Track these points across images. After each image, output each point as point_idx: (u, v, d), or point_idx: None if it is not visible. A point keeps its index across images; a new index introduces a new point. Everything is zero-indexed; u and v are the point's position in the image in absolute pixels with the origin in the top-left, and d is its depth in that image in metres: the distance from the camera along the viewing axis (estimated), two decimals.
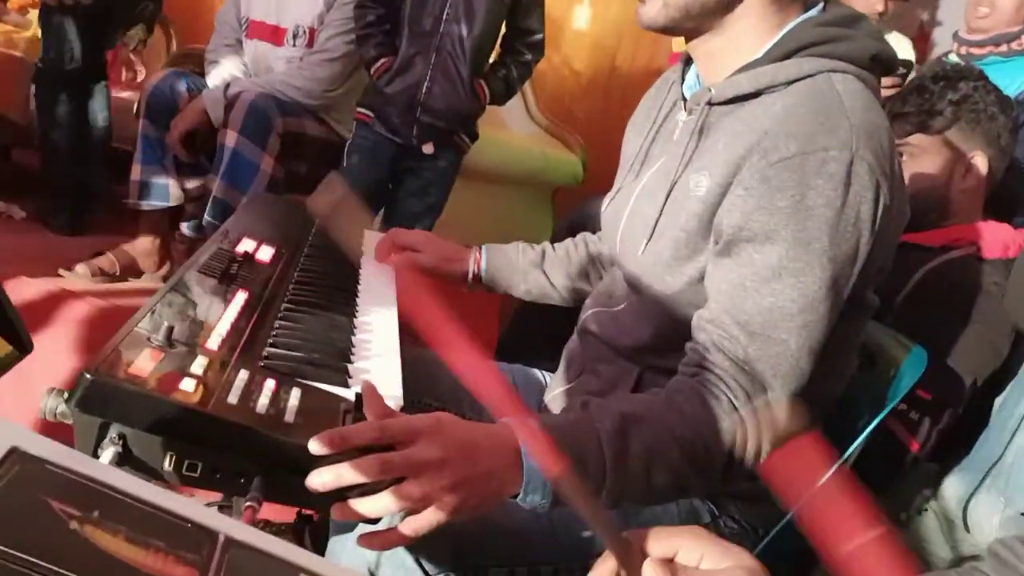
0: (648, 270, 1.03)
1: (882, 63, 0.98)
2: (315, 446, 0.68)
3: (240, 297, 0.98)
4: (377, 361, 0.96)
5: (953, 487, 1.55)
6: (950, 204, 1.54)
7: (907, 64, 2.28)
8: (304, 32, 2.41)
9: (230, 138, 2.22)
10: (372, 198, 2.39)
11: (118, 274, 2.50)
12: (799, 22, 0.97)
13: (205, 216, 2.25)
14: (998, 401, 1.53)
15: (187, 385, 0.72)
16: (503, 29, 2.34)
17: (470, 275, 1.34)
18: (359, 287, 1.23)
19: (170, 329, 0.79)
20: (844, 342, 1.00)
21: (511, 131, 3.06)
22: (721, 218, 0.93)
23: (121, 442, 0.68)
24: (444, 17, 2.23)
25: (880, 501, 1.47)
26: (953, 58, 2.49)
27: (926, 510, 1.58)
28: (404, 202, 2.37)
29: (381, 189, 2.39)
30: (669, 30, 1.01)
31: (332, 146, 2.43)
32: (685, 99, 1.07)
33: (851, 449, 1.08)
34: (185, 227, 2.52)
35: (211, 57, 2.54)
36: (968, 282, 1.41)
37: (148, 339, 0.78)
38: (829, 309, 0.89)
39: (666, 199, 1.00)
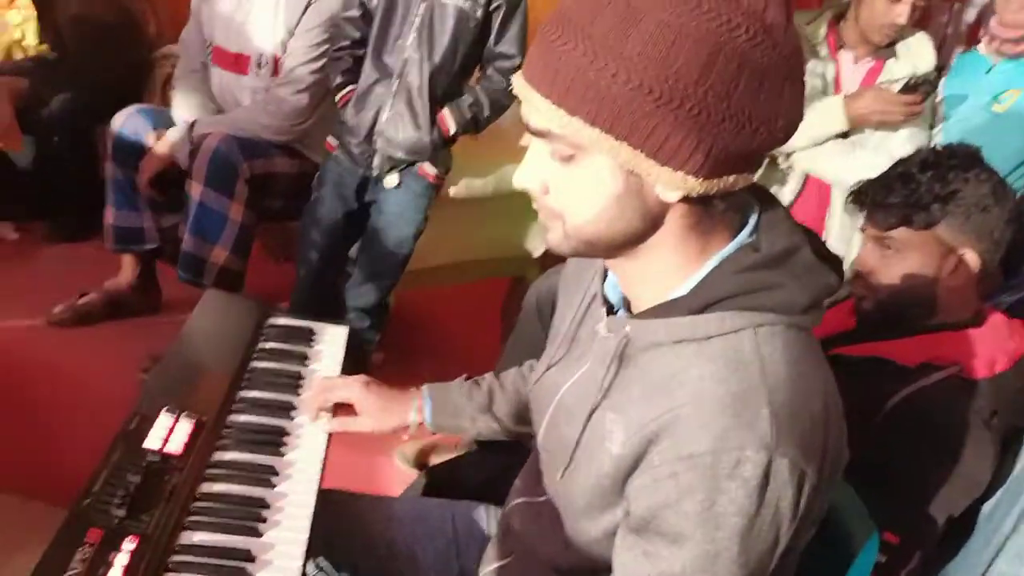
0: (566, 503, 0.97)
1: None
2: None
3: (124, 552, 0.93)
4: None
5: None
6: (936, 302, 1.40)
7: (930, 79, 2.08)
8: (267, 61, 2.27)
9: (195, 190, 2.12)
10: (344, 232, 2.31)
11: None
12: (727, 257, 0.86)
13: (179, 272, 2.18)
14: (987, 507, 1.43)
15: None
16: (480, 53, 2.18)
17: (413, 427, 1.29)
18: (278, 468, 1.17)
19: None
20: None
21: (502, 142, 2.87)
22: (630, 496, 0.85)
23: None
24: (407, 44, 2.08)
25: None
26: (982, 49, 2.29)
27: None
28: (375, 238, 2.26)
29: (352, 222, 2.29)
30: (578, 255, 0.91)
31: (306, 177, 2.32)
32: (606, 300, 0.97)
33: None
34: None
35: (178, 85, 2.42)
36: (949, 417, 1.28)
37: None
38: None
39: (583, 429, 0.92)
